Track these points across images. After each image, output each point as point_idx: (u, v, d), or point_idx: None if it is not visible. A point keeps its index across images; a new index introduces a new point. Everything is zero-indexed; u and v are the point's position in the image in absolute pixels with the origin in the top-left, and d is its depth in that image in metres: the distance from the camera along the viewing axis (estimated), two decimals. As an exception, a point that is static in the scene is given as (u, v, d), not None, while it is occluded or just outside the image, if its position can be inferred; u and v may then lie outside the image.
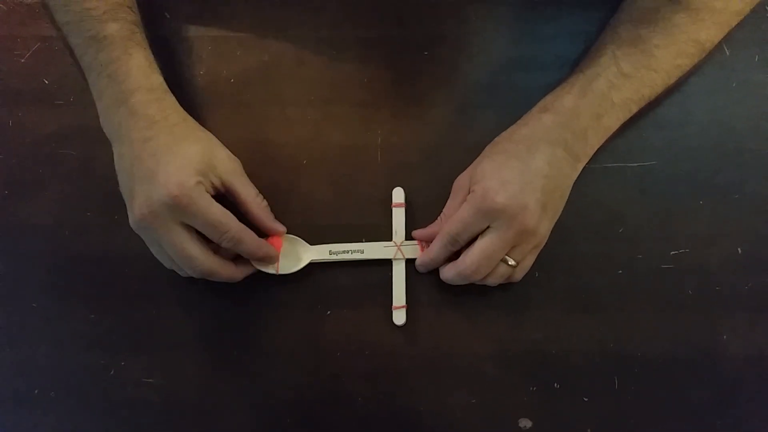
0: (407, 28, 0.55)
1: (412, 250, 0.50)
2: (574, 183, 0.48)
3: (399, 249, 0.50)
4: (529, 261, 0.47)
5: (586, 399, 0.49)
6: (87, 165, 0.53)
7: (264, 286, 0.51)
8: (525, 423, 0.48)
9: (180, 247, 0.44)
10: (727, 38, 0.49)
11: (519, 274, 0.47)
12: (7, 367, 0.50)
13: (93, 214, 0.52)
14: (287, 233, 0.50)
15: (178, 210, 0.43)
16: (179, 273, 0.47)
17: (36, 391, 0.50)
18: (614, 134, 0.49)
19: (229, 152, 0.48)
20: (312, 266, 0.51)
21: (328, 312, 0.50)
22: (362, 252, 0.50)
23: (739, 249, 0.50)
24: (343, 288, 0.51)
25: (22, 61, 0.55)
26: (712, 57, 0.52)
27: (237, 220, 0.45)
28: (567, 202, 0.48)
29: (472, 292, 0.49)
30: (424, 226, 0.50)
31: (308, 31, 0.54)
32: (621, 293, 0.50)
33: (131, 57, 0.46)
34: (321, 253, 0.50)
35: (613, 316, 0.50)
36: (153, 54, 0.48)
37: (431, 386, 0.49)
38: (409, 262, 0.50)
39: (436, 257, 0.48)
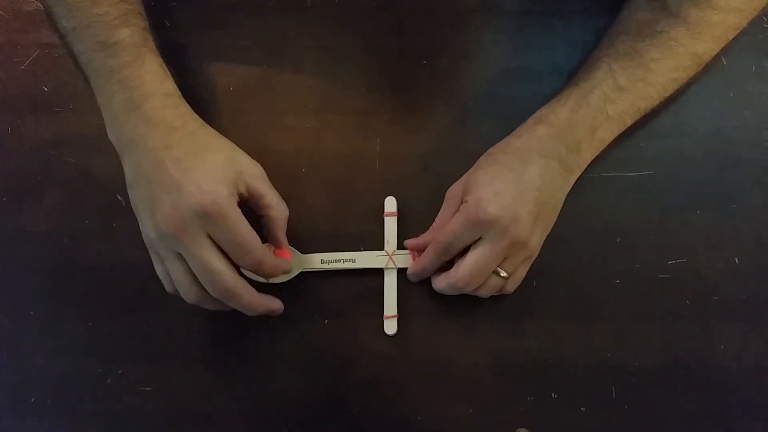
0: (406, 37, 0.55)
1: (404, 259, 0.50)
2: (572, 192, 0.48)
3: (391, 258, 0.50)
4: (521, 273, 0.47)
5: (583, 409, 0.49)
6: (85, 173, 0.53)
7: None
8: (522, 433, 0.48)
9: (205, 259, 0.41)
10: (725, 48, 0.49)
11: (511, 286, 0.47)
12: (4, 375, 0.50)
13: (91, 222, 0.52)
14: None
15: (207, 220, 0.41)
16: (184, 296, 0.44)
17: (33, 399, 0.50)
18: (611, 144, 0.49)
19: (250, 157, 0.47)
20: (310, 275, 0.51)
21: (326, 321, 0.50)
22: (354, 261, 0.50)
23: (736, 259, 0.50)
24: (341, 297, 0.51)
25: (22, 68, 0.55)
26: (709, 67, 0.52)
27: (260, 241, 0.44)
28: (564, 210, 0.48)
29: (470, 301, 0.49)
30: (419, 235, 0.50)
31: (307, 40, 0.54)
32: (618, 302, 0.50)
33: (144, 63, 0.45)
34: (312, 262, 0.50)
35: (611, 325, 0.50)
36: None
37: (429, 396, 0.49)
38: (401, 272, 0.50)
39: (427, 266, 0.48)
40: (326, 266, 0.50)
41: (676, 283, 0.50)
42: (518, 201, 0.44)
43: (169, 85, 0.46)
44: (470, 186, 0.46)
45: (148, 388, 0.50)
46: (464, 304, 0.49)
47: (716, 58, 0.51)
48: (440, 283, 0.48)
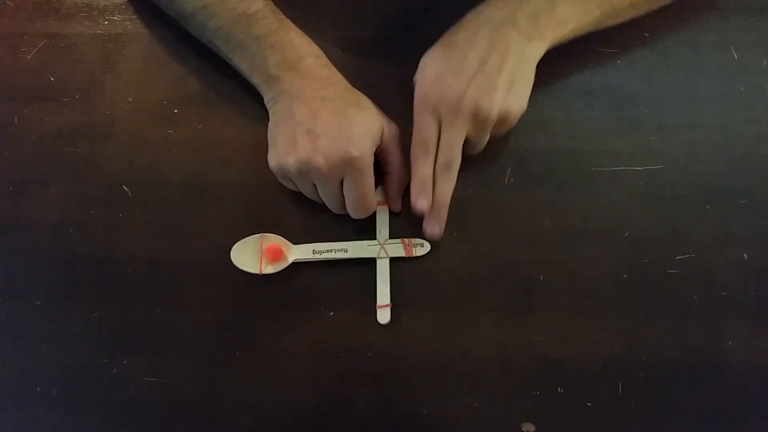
0: (413, 30, 0.54)
1: (396, 248, 0.50)
2: (579, 185, 0.48)
3: (383, 247, 0.50)
4: (485, 138, 0.48)
5: (589, 404, 0.49)
6: (92, 163, 0.53)
7: (265, 286, 0.50)
8: (528, 427, 0.48)
9: (335, 194, 0.47)
10: (736, 42, 0.49)
11: (480, 148, 0.49)
12: (10, 365, 0.50)
13: (97, 213, 0.52)
14: (271, 233, 0.50)
15: (349, 168, 0.45)
16: (309, 196, 0.49)
17: (38, 389, 0.50)
18: (620, 137, 0.48)
19: (388, 118, 0.50)
20: (316, 265, 0.50)
21: (331, 313, 0.50)
22: (346, 251, 0.50)
23: (745, 254, 0.50)
24: (347, 288, 0.51)
25: (29, 57, 0.55)
26: (719, 60, 0.52)
27: (375, 202, 0.48)
28: (571, 204, 0.48)
29: (477, 294, 0.49)
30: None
31: (314, 33, 0.54)
32: (626, 298, 0.50)
33: (289, 30, 0.49)
34: (305, 252, 0.50)
35: (618, 320, 0.49)
36: (162, 53, 0.49)
37: (434, 389, 0.49)
38: (393, 261, 0.50)
39: (421, 175, 0.47)
40: (318, 256, 0.50)
41: (684, 279, 0.50)
42: (461, 77, 0.45)
43: (316, 49, 0.50)
44: (417, 75, 0.48)
45: (152, 379, 0.50)
46: (475, 297, 0.49)
47: (727, 51, 0.51)
48: (430, 223, 0.48)
